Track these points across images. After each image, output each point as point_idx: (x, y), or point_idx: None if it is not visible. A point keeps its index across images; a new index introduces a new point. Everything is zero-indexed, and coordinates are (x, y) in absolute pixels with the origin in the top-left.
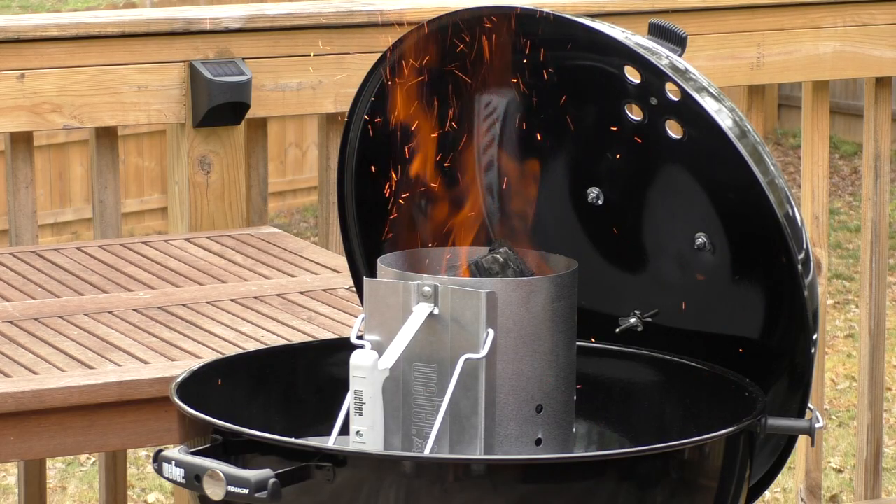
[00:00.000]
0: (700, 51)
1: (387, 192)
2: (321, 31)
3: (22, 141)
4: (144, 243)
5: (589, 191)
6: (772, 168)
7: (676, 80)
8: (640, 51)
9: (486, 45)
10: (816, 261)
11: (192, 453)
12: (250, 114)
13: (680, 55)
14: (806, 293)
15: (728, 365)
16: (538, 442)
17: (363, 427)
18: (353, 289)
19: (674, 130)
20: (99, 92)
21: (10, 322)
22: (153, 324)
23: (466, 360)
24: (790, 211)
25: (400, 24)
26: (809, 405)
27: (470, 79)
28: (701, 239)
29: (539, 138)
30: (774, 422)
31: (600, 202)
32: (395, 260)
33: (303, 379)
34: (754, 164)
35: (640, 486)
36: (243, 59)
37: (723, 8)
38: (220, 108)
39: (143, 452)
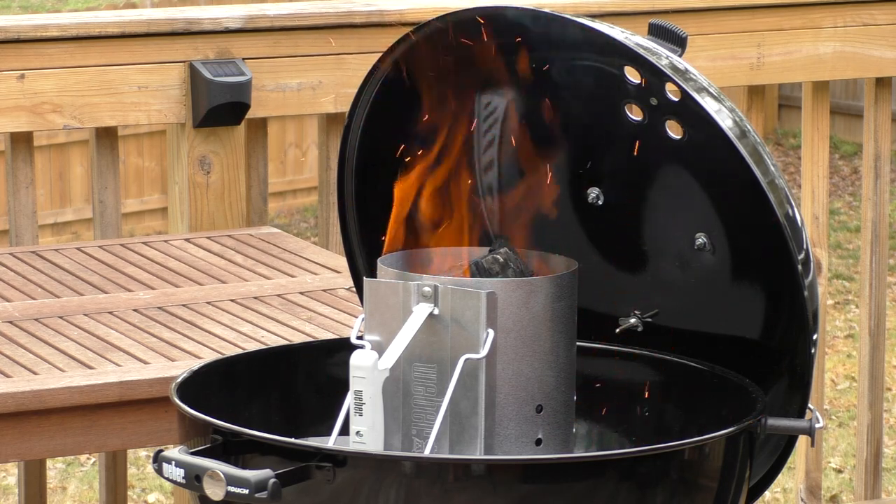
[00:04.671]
0: (700, 51)
1: (389, 196)
2: (321, 31)
3: (22, 141)
4: (144, 243)
5: (589, 191)
6: (772, 168)
7: (676, 80)
8: (640, 51)
9: (485, 45)
10: (816, 261)
11: (192, 453)
12: (250, 114)
13: (680, 55)
14: (806, 293)
15: (728, 365)
16: (538, 442)
17: (363, 427)
18: (353, 289)
19: (674, 130)
20: (99, 92)
21: (10, 322)
22: (153, 324)
23: (466, 360)
24: (790, 211)
25: (400, 24)
26: (809, 405)
27: (470, 79)
28: (701, 239)
29: (539, 138)
30: (774, 422)
31: (600, 202)
32: (395, 260)
33: (303, 379)
34: (754, 164)
35: (640, 486)
36: (243, 59)
37: (723, 8)
38: (220, 109)
39: (143, 452)
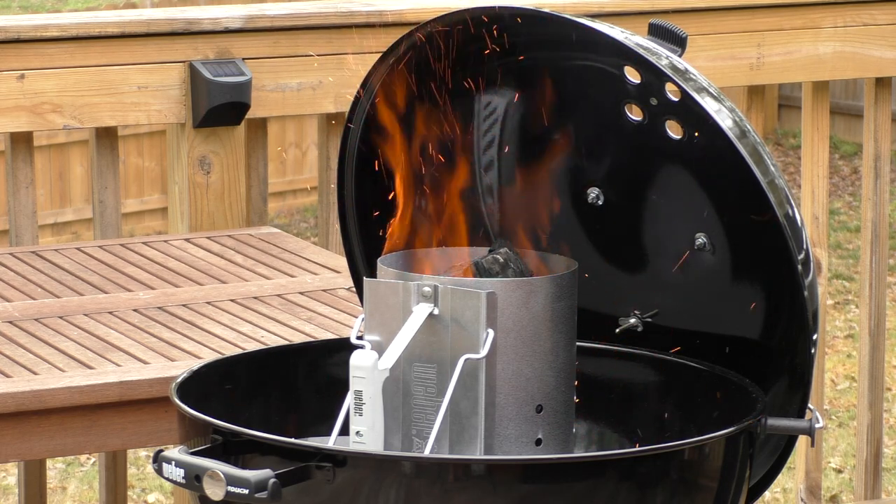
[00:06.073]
0: (700, 51)
1: (389, 195)
2: (321, 31)
3: (22, 141)
4: (144, 243)
5: (589, 191)
6: (772, 168)
7: (676, 80)
8: (640, 51)
9: (485, 45)
10: (816, 261)
11: (192, 453)
12: (250, 114)
13: (680, 55)
14: (806, 293)
15: (728, 365)
16: (538, 442)
17: (363, 427)
18: (353, 289)
19: (674, 130)
20: (99, 92)
21: (10, 322)
22: (153, 324)
23: (466, 360)
24: (790, 211)
25: (400, 24)
26: (809, 405)
27: (470, 79)
28: (701, 239)
29: (539, 139)
30: (774, 422)
31: (600, 202)
32: (395, 260)
33: (303, 379)
34: (754, 164)
35: (640, 486)
36: (243, 59)
37: (723, 8)
38: (220, 109)
39: (143, 452)
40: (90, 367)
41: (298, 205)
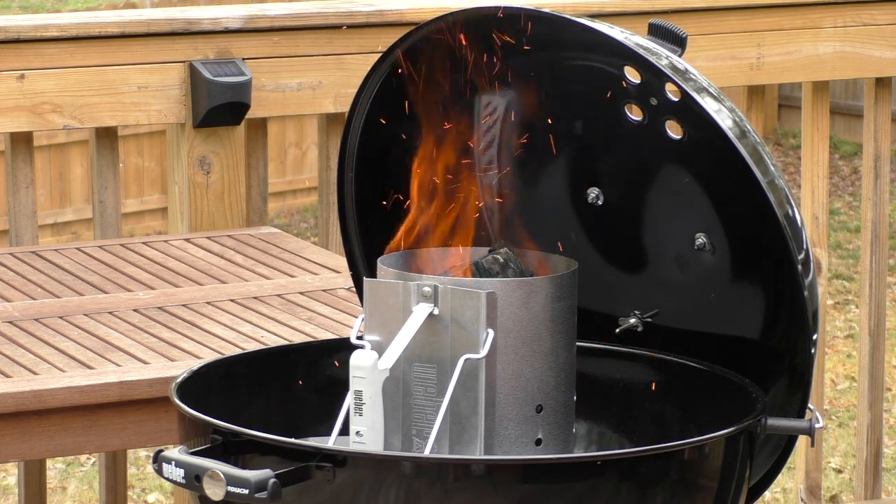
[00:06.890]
0: (700, 51)
1: (389, 198)
2: (321, 31)
3: (22, 141)
4: (144, 243)
5: (589, 191)
6: (772, 168)
7: (676, 80)
8: (640, 51)
9: (485, 45)
10: (816, 261)
11: (192, 453)
12: (250, 114)
13: (680, 55)
14: (806, 293)
15: (728, 365)
16: (538, 442)
17: (363, 427)
18: (353, 289)
19: (674, 130)
20: (99, 92)
21: (10, 322)
22: (153, 324)
23: (466, 360)
24: (790, 211)
25: (400, 24)
26: (809, 405)
27: (470, 79)
28: (701, 239)
29: (539, 138)
30: (774, 422)
31: (600, 202)
32: (394, 260)
33: (303, 379)
34: (754, 164)
35: (640, 486)
36: (243, 59)
37: (723, 8)
38: (220, 109)
39: (143, 452)
40: (90, 367)
41: (298, 205)
